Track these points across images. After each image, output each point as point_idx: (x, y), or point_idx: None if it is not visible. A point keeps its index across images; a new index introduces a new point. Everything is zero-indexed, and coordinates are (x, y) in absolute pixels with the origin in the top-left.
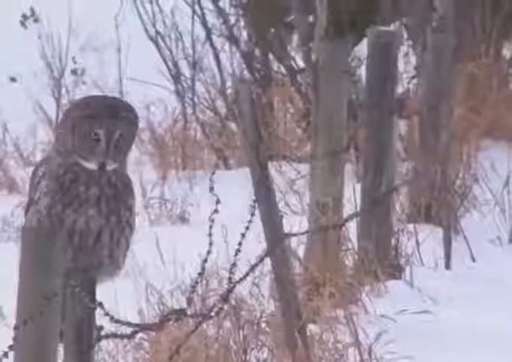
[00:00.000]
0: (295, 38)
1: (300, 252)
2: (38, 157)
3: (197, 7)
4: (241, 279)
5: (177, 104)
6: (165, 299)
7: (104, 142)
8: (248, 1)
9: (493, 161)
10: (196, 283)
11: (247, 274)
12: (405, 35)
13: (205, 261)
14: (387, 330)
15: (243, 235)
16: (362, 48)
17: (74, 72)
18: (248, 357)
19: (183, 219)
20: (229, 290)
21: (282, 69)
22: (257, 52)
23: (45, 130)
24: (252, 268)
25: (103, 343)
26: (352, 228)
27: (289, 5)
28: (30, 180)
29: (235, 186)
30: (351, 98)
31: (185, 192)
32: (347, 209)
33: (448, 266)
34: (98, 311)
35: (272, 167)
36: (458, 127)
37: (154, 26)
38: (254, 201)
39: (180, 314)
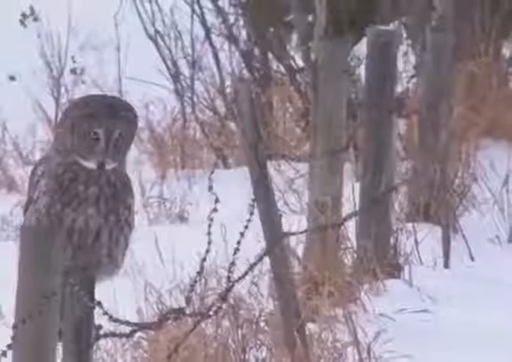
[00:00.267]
0: (294, 37)
1: (299, 251)
2: (38, 156)
3: (196, 7)
4: (240, 278)
5: (176, 103)
6: (163, 298)
7: (103, 142)
8: (247, 1)
9: (492, 160)
10: (195, 282)
11: (246, 273)
12: (405, 35)
13: (204, 260)
14: (386, 329)
15: (242, 234)
16: (362, 47)
17: (73, 71)
18: (246, 356)
19: (182, 218)
20: (228, 289)
21: (282, 69)
22: (256, 51)
23: (44, 128)
24: (251, 267)
25: (102, 342)
26: (351, 227)
27: (288, 4)
28: (29, 179)
29: (235, 185)
30: (350, 97)
31: (184, 191)
32: (346, 208)
33: (447, 265)
34: (97, 310)
35: (271, 166)
36: (457, 126)
37: (153, 25)
38: (253, 200)
39: (178, 313)
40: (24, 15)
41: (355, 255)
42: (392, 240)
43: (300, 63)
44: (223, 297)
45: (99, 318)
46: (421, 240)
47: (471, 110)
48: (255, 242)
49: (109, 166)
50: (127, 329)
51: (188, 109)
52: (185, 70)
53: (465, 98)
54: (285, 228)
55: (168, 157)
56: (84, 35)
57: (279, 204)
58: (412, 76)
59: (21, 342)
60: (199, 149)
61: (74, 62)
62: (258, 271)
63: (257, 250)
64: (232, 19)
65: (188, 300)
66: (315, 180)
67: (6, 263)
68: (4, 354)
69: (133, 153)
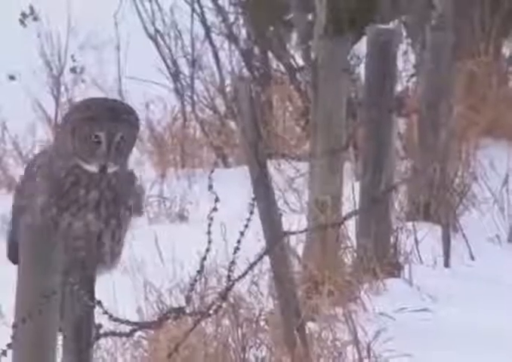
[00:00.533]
0: (294, 36)
1: (299, 250)
2: None
3: (196, 6)
4: (240, 277)
5: (176, 102)
6: (163, 297)
7: (105, 145)
8: (247, 0)
9: (492, 160)
10: (195, 281)
11: (246, 273)
12: (405, 33)
13: (204, 259)
14: (386, 328)
15: (242, 233)
16: (362, 46)
17: (73, 70)
18: (246, 355)
19: (182, 217)
20: (228, 288)
21: (281, 67)
22: (256, 50)
23: (44, 128)
24: (251, 266)
25: (102, 341)
26: (351, 227)
27: (288, 3)
28: (24, 174)
29: (235, 184)
30: (350, 96)
31: (184, 190)
32: (346, 207)
33: (447, 264)
34: (97, 310)
35: (271, 165)
36: (457, 126)
37: (153, 24)
38: (253, 199)
39: (178, 312)
40: (24, 14)
41: (355, 254)
42: (392, 240)
43: (300, 62)
44: (223, 296)
45: (99, 317)
46: (421, 240)
47: (471, 109)
48: (255, 241)
49: (111, 169)
50: (127, 329)
51: (188, 108)
52: (185, 69)
53: (465, 97)
54: (285, 227)
55: (168, 156)
56: (84, 34)
57: (279, 203)
58: (412, 75)
59: (21, 341)
60: (199, 148)
61: (74, 61)
62: (258, 271)
63: (257, 249)
64: (232, 18)
65: (188, 299)
66: (315, 179)
67: (6, 263)
68: (4, 353)
69: (133, 152)
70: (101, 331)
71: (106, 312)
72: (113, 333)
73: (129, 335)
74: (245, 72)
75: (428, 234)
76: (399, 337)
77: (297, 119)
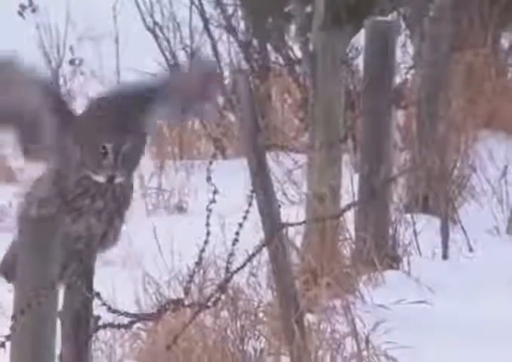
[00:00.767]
0: (293, 28)
1: (298, 242)
2: None
3: None
4: (238, 269)
5: None
6: (162, 289)
7: (112, 157)
8: None
9: (491, 151)
10: (194, 273)
11: (244, 264)
12: (403, 25)
13: (203, 251)
14: (385, 320)
15: (240, 225)
16: (360, 38)
17: (72, 62)
18: (245, 347)
19: (180, 208)
20: (227, 280)
21: (280, 59)
22: (254, 42)
23: None
24: (250, 258)
25: (101, 333)
26: (349, 218)
27: None
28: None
29: (233, 176)
30: (349, 88)
31: (182, 182)
32: (345, 199)
33: (445, 256)
34: (96, 301)
35: (269, 157)
36: (455, 117)
37: (152, 16)
38: (252, 191)
39: (177, 304)
40: (22, 6)
41: (353, 246)
42: (390, 231)
43: (299, 54)
44: (222, 288)
45: (98, 309)
46: (419, 231)
47: (469, 101)
48: (254, 233)
49: (119, 179)
50: (125, 320)
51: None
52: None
53: (463, 89)
54: (284, 219)
55: (166, 148)
56: (83, 26)
57: (278, 195)
58: (411, 67)
59: (20, 333)
60: (198, 140)
61: (72, 53)
62: (257, 262)
63: (255, 241)
64: (230, 10)
65: (187, 291)
66: (313, 171)
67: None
68: (3, 344)
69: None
70: (100, 323)
71: (104, 304)
72: (112, 325)
73: (128, 326)
74: (244, 64)
75: (427, 226)
76: (398, 329)
77: (295, 111)
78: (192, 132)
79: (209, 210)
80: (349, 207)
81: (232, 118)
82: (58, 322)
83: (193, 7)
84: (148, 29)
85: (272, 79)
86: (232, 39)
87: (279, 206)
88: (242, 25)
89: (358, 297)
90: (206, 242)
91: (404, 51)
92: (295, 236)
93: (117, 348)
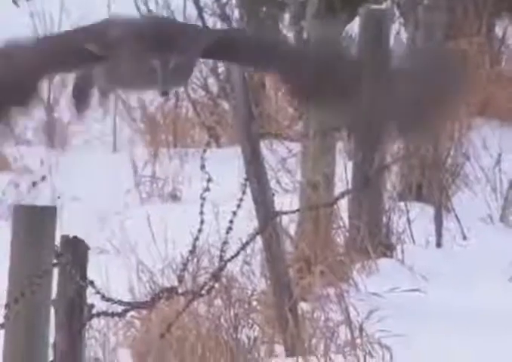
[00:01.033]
0: (287, 16)
1: (292, 230)
2: (30, 135)
3: None
4: (232, 257)
5: None
6: (156, 277)
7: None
8: None
9: (484, 140)
10: (187, 261)
11: (238, 253)
12: (397, 13)
13: (196, 239)
14: (378, 308)
15: (234, 213)
16: (354, 26)
17: None
18: (238, 335)
19: (174, 197)
20: (221, 268)
21: None
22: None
23: (38, 107)
24: (243, 246)
25: (94, 321)
26: (343, 206)
27: None
28: None
29: (227, 164)
30: None
31: (176, 170)
32: (339, 187)
33: (439, 244)
34: (89, 290)
35: (263, 146)
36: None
37: (146, 4)
38: (246, 179)
39: (171, 292)
40: None
41: (347, 234)
42: (384, 220)
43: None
44: (216, 276)
45: (91, 297)
46: (413, 220)
47: None
48: (248, 221)
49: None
50: (119, 309)
51: (180, 88)
52: None
53: None
54: (278, 207)
55: (160, 136)
56: (77, 14)
57: (272, 183)
58: None
59: (14, 321)
60: (192, 128)
61: None
62: (251, 251)
63: (249, 229)
64: None
65: (180, 279)
66: (307, 159)
67: None
68: None
69: (125, 132)
70: (94, 311)
71: (98, 292)
72: (106, 313)
73: (121, 315)
74: None
75: (420, 214)
76: (392, 317)
77: (289, 99)
78: (186, 120)
79: (203, 199)
80: (343, 195)
81: (226, 106)
82: (52, 310)
83: None
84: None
85: None
86: (226, 27)
87: (273, 194)
88: (236, 13)
89: (352, 285)
90: (200, 230)
91: (398, 39)
92: (289, 224)
93: (111, 337)
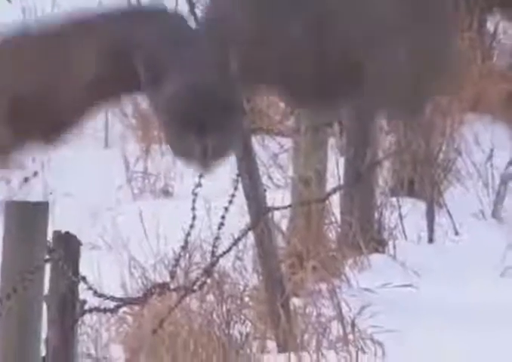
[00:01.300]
0: None
1: (284, 225)
2: None
3: None
4: (224, 253)
5: None
6: (148, 273)
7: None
8: None
9: (476, 135)
10: (179, 256)
11: (230, 248)
12: None
13: (188, 235)
14: (370, 304)
15: (226, 209)
16: None
17: None
18: (231, 331)
19: (166, 192)
20: (213, 264)
21: None
22: None
23: None
24: (235, 241)
25: (87, 317)
26: (335, 202)
27: None
28: None
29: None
30: None
31: (168, 166)
32: (330, 183)
33: (431, 240)
34: (81, 285)
35: (255, 141)
36: (441, 101)
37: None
38: (238, 175)
39: (163, 287)
40: None
41: (339, 229)
42: (376, 215)
43: None
44: (208, 272)
45: (83, 293)
46: (405, 215)
47: None
48: (239, 217)
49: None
50: (111, 304)
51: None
52: None
53: None
54: (269, 202)
55: (152, 131)
56: (69, 9)
57: (263, 179)
58: None
59: (6, 317)
60: None
61: None
62: (243, 246)
63: (241, 225)
64: None
65: (172, 275)
66: (299, 155)
67: None
68: None
69: (117, 128)
70: (86, 307)
71: (90, 288)
72: (98, 309)
73: (114, 311)
74: None
75: (412, 210)
76: (384, 312)
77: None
78: None
79: (195, 194)
80: (334, 190)
81: None
82: (44, 306)
83: None
84: None
85: None
86: None
87: (265, 190)
88: None
89: (344, 281)
90: (192, 226)
91: None
92: (281, 220)
93: (103, 332)
